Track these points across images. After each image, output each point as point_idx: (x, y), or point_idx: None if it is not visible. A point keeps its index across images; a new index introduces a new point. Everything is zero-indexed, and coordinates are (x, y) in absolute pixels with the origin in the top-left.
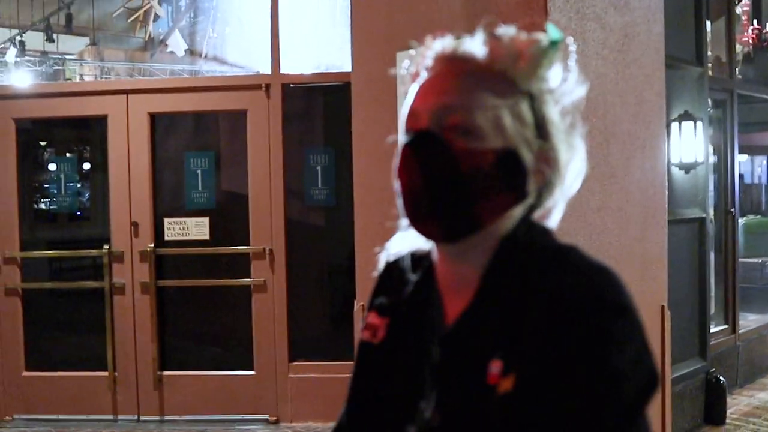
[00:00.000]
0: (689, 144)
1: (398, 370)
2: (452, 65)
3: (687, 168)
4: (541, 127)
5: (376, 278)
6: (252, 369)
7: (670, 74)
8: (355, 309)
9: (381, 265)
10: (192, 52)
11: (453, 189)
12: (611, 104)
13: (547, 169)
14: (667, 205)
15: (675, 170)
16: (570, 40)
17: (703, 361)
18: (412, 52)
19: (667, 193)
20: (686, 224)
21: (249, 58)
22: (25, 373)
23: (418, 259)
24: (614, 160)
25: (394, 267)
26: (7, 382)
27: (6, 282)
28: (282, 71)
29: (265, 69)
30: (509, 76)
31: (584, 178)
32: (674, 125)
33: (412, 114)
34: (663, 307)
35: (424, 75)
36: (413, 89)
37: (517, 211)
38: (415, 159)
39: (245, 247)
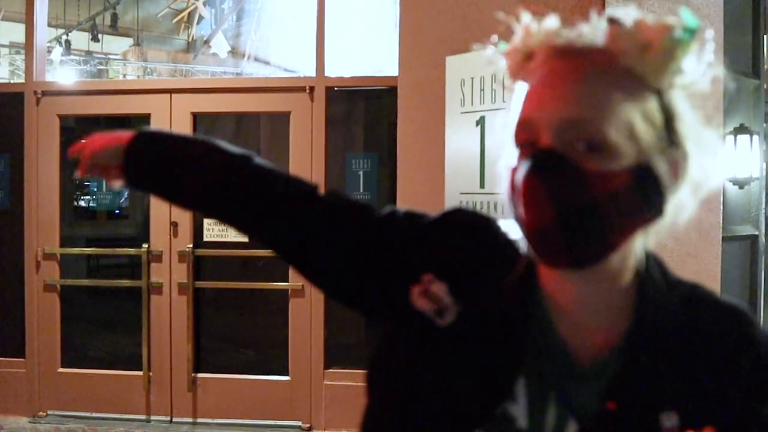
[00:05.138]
0: (744, 158)
1: (476, 369)
2: (568, 61)
3: (741, 183)
4: (670, 127)
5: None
6: (287, 374)
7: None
8: None
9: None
10: (235, 54)
11: (587, 219)
12: None
13: (678, 176)
14: (721, 221)
15: (728, 185)
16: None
17: None
18: (491, 47)
19: (722, 208)
20: (738, 241)
21: (292, 60)
22: (61, 370)
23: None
24: None
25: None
26: (43, 378)
27: (45, 278)
28: (326, 74)
29: (309, 72)
30: (636, 71)
31: None
32: (729, 138)
33: (528, 124)
34: None
35: (527, 65)
36: (522, 89)
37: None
38: (544, 186)
39: None
